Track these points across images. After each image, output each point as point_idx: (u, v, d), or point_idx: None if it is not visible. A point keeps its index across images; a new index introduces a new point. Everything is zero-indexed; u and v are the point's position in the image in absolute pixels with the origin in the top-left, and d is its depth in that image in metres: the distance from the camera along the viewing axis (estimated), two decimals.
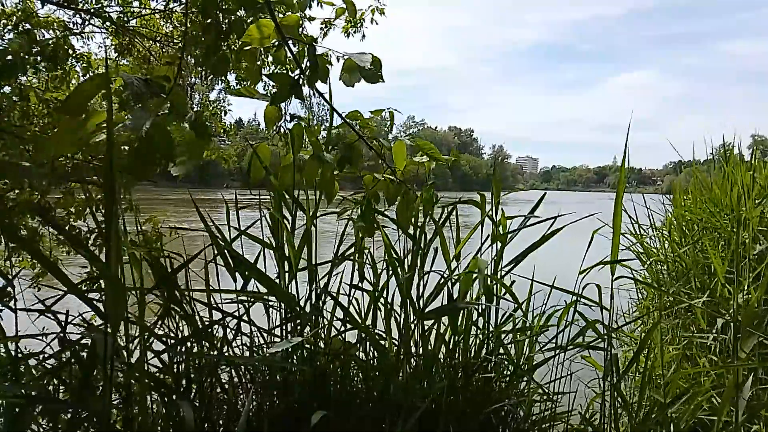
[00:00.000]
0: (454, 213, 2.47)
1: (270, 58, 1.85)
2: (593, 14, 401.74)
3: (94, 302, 1.59)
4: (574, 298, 2.29)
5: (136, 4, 3.85)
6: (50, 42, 3.06)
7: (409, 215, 2.24)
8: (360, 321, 2.34)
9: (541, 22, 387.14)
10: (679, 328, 3.42)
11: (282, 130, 2.15)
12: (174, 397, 1.85)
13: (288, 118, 2.08)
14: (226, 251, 2.12)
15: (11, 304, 1.73)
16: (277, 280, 2.18)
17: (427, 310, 2.28)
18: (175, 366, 1.96)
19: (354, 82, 1.73)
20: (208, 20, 1.79)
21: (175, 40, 3.95)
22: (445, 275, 2.34)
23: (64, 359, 1.81)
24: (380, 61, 1.72)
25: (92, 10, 3.35)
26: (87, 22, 3.50)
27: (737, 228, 3.06)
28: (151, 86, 1.21)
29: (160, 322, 2.02)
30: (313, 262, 2.22)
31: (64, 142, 1.26)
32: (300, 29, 1.78)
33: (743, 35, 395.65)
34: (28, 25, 3.15)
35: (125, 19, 3.68)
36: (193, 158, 1.38)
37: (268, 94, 1.86)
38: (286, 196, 2.19)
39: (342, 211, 2.32)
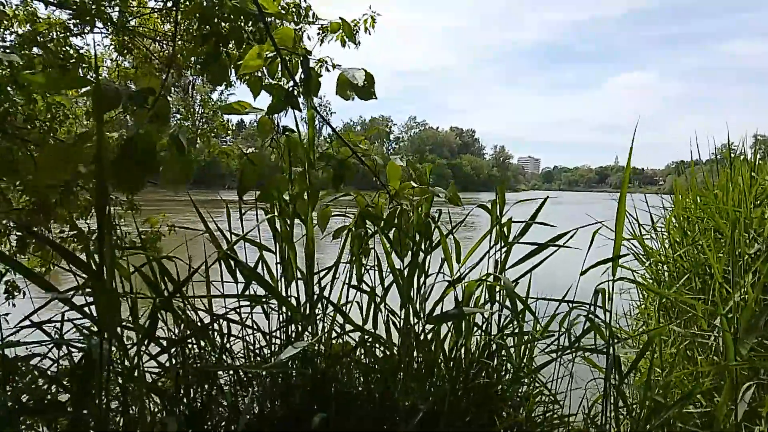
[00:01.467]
0: (453, 212, 2.47)
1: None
2: (593, 14, 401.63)
3: (88, 309, 1.59)
4: (577, 298, 2.29)
5: (134, 4, 3.86)
6: (51, 40, 3.07)
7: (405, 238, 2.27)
8: (360, 324, 2.34)
9: (541, 22, 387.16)
10: (680, 328, 3.41)
11: (274, 141, 2.16)
12: (170, 401, 1.85)
13: (281, 129, 2.09)
14: (227, 255, 2.13)
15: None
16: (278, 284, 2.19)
17: (430, 314, 2.29)
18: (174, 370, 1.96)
19: (349, 97, 1.74)
20: (206, 27, 1.79)
21: (174, 39, 3.95)
22: (447, 281, 2.35)
23: (61, 365, 1.82)
24: (373, 77, 1.72)
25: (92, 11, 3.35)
26: (88, 24, 3.50)
27: (732, 229, 3.05)
28: (133, 96, 1.21)
29: (160, 326, 2.03)
30: (312, 268, 2.23)
31: (52, 172, 1.24)
32: (298, 41, 1.78)
33: (743, 35, 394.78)
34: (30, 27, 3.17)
35: (125, 19, 3.69)
36: (182, 173, 1.37)
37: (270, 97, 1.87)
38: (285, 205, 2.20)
39: (339, 229, 2.35)
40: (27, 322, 1.77)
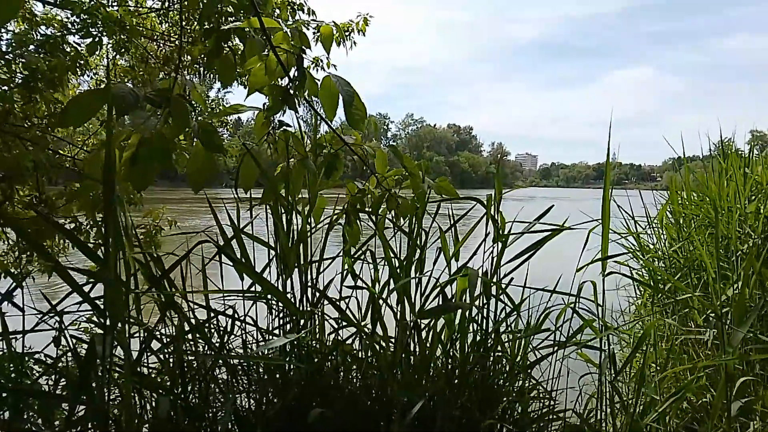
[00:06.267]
0: (453, 208, 2.49)
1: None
2: (591, 10, 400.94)
3: (96, 302, 1.60)
4: (571, 297, 2.31)
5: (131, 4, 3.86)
6: (49, 38, 3.08)
7: (398, 217, 2.29)
8: (357, 319, 2.36)
9: (539, 19, 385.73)
10: (674, 325, 3.44)
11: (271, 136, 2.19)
12: (167, 394, 1.87)
13: (277, 125, 2.12)
14: (224, 250, 2.14)
15: (18, 302, 1.74)
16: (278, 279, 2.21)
17: (421, 309, 2.30)
18: (172, 364, 1.98)
19: (332, 115, 1.74)
20: (207, 24, 1.81)
21: (172, 39, 3.96)
22: (438, 275, 2.36)
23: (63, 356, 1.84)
24: (365, 106, 1.73)
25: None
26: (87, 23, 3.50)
27: (717, 223, 3.07)
28: (150, 98, 1.23)
29: (156, 321, 2.04)
30: (309, 263, 2.25)
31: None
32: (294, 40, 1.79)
33: (743, 31, 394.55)
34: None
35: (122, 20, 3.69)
36: (204, 171, 1.40)
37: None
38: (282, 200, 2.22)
39: (333, 220, 2.37)
40: (33, 317, 1.78)
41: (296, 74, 1.67)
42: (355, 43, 4.44)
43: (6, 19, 1.43)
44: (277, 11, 3.87)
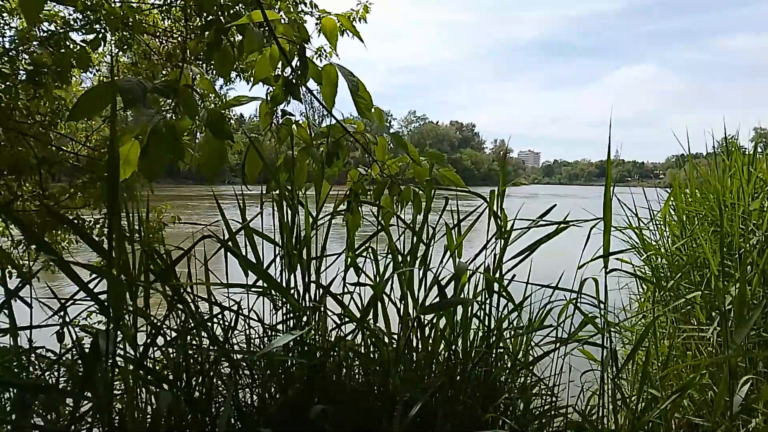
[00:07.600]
0: (456, 205, 2.49)
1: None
2: (592, 9, 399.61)
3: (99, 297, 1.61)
4: (574, 293, 2.30)
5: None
6: (52, 35, 3.08)
7: (394, 209, 2.29)
8: (360, 314, 2.36)
9: (540, 18, 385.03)
10: (677, 322, 3.43)
11: (274, 126, 2.19)
12: (170, 388, 1.87)
13: (280, 114, 2.12)
14: (227, 245, 2.14)
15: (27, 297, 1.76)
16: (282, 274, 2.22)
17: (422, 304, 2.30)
18: (176, 359, 1.99)
19: (331, 101, 1.74)
20: (208, 17, 1.81)
21: (174, 35, 3.96)
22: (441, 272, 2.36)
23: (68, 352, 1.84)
24: (370, 96, 1.73)
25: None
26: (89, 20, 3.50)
27: (722, 220, 3.05)
28: (158, 89, 1.24)
29: (163, 315, 2.05)
30: (312, 258, 2.24)
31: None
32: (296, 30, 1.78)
33: (743, 31, 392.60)
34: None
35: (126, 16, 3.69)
36: (215, 159, 1.40)
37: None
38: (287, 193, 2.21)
39: (335, 210, 2.37)
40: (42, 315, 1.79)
41: (299, 64, 1.68)
42: (358, 34, 4.43)
43: (31, 18, 1.45)
44: (279, 5, 3.87)
